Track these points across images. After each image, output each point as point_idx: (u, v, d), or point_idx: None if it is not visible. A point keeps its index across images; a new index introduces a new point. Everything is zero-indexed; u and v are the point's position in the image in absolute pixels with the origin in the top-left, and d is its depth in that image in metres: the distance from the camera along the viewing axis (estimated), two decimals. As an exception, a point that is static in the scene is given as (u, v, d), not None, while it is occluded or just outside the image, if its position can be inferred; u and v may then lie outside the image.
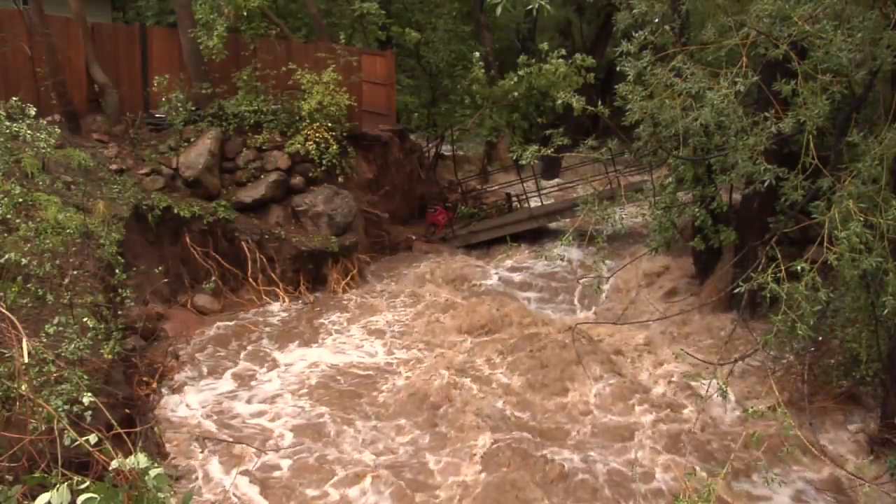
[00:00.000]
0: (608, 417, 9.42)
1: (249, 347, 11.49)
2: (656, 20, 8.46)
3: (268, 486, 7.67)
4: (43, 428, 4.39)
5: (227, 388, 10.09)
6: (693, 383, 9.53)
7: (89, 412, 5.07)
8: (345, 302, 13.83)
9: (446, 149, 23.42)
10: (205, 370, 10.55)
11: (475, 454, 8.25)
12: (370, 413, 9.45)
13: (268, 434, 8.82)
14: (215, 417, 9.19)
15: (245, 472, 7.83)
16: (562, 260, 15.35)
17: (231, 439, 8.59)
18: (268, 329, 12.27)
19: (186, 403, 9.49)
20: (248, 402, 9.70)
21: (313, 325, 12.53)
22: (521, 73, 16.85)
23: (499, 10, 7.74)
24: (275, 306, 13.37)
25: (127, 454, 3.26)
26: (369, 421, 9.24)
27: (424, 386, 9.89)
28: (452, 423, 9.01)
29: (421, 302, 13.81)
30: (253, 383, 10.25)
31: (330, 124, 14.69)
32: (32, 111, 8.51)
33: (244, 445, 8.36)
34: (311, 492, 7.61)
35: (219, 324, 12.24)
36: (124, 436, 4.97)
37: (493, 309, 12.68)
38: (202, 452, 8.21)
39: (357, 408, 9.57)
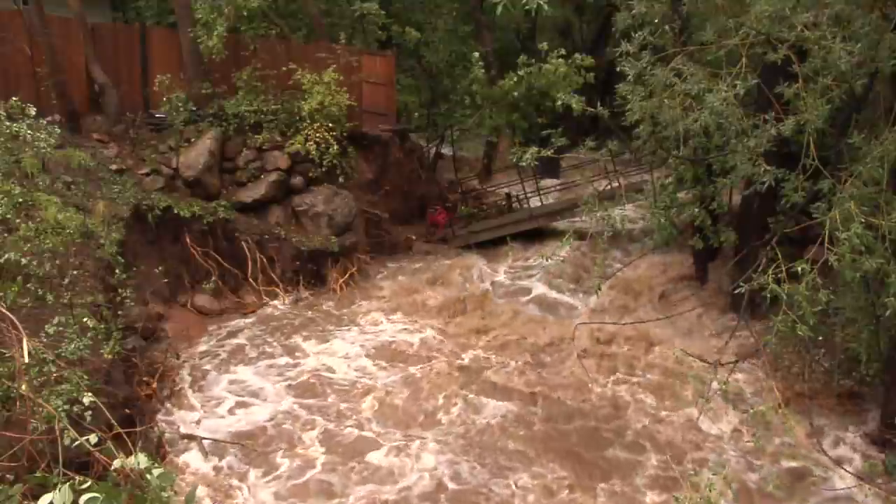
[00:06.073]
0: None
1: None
2: (656, 20, 8.46)
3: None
4: (43, 428, 4.39)
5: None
6: (694, 383, 9.52)
7: (89, 412, 5.06)
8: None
9: (447, 149, 23.39)
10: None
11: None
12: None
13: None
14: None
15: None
16: (563, 261, 15.35)
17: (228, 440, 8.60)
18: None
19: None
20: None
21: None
22: (521, 73, 16.82)
23: (499, 9, 7.73)
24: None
25: (128, 454, 3.25)
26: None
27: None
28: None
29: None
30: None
31: (330, 124, 14.68)
32: (32, 111, 8.51)
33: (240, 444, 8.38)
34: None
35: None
36: (124, 436, 4.96)
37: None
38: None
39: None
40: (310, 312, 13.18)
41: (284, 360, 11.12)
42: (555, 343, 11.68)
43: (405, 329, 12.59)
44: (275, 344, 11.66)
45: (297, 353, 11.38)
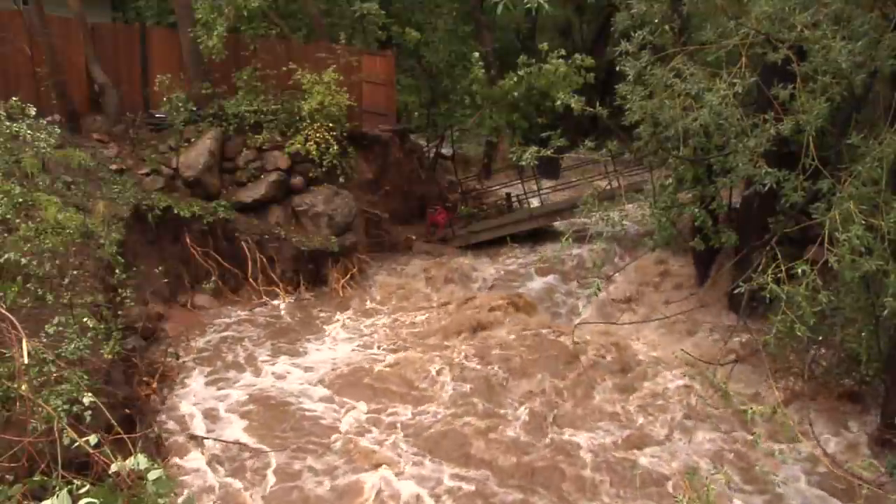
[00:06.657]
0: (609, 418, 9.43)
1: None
2: (656, 20, 8.47)
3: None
4: (43, 428, 4.39)
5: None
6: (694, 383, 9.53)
7: (89, 412, 5.06)
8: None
9: (447, 149, 23.38)
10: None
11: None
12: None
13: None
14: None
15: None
16: (562, 261, 15.35)
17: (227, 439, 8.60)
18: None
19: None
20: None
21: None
22: (521, 73, 16.81)
23: (499, 9, 7.73)
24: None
25: (127, 454, 3.25)
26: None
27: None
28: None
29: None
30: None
31: (330, 124, 14.68)
32: (32, 111, 8.52)
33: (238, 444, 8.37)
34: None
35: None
36: (124, 436, 4.96)
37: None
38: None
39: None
40: (297, 315, 12.97)
41: (252, 371, 10.58)
42: (553, 353, 11.40)
43: (393, 343, 11.95)
44: (252, 349, 11.29)
45: (263, 366, 10.78)
